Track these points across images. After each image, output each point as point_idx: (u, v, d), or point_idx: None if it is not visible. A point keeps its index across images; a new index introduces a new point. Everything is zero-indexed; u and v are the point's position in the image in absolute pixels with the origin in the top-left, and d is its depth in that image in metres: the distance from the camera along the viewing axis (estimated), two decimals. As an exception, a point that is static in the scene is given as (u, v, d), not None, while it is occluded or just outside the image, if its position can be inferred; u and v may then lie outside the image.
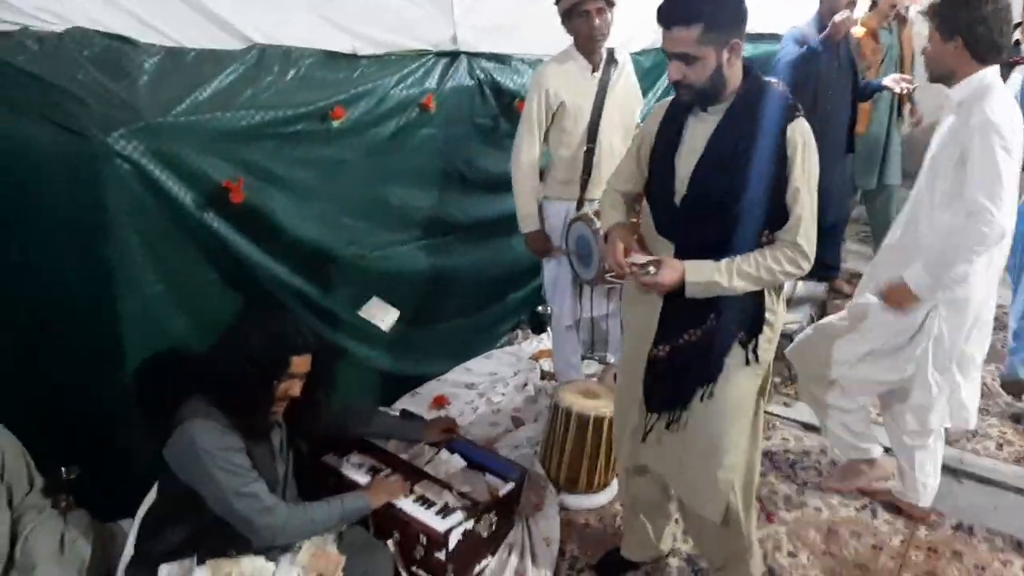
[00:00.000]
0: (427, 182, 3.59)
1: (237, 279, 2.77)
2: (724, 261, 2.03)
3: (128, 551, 2.21)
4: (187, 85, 2.54)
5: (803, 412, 3.76)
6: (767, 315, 2.15)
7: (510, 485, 2.69)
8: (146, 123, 2.34)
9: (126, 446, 2.51)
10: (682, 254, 2.10)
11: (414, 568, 2.50)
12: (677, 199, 2.10)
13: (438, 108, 3.46)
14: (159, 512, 2.20)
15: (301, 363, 2.17)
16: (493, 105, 3.80)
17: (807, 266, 2.07)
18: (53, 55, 2.27)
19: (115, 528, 2.51)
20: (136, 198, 2.36)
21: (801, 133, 2.01)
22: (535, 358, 4.20)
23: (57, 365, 2.50)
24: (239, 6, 2.71)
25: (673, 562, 2.77)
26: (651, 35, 4.12)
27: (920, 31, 4.91)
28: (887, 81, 4.60)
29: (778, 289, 2.19)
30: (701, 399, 2.16)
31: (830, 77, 4.54)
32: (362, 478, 2.64)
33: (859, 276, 3.06)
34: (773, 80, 2.09)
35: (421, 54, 3.43)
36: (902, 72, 4.93)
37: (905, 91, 4.60)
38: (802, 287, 4.41)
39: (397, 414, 3.10)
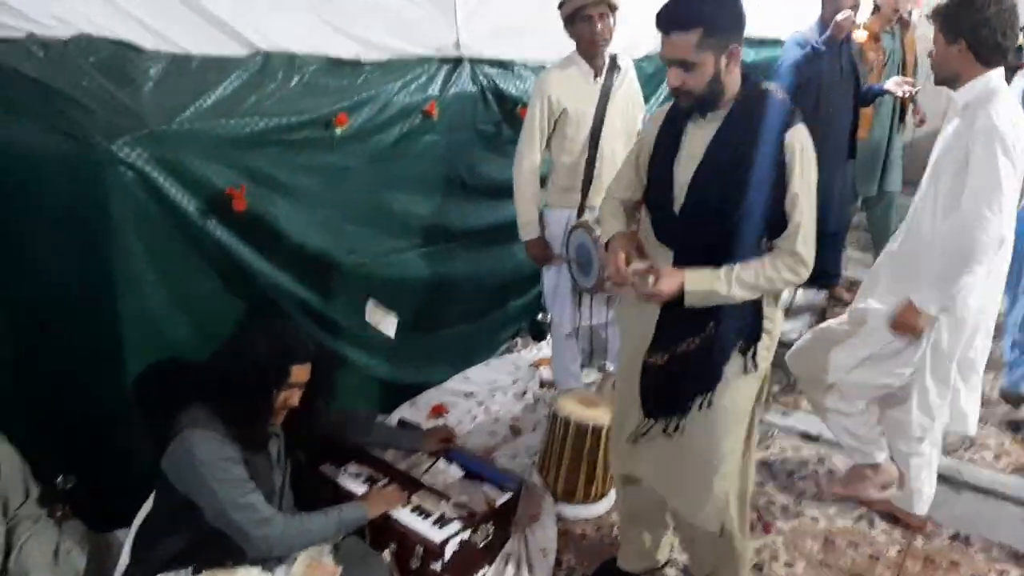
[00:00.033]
0: (429, 189, 3.59)
1: (239, 286, 2.77)
2: (723, 269, 2.04)
3: (124, 561, 2.21)
4: (191, 92, 2.54)
5: (801, 422, 3.78)
6: (765, 323, 2.16)
7: (507, 495, 2.69)
8: (150, 130, 2.35)
9: (123, 456, 2.52)
10: (681, 261, 2.10)
11: (410, 579, 2.50)
12: (676, 206, 2.11)
13: (441, 115, 3.46)
14: (155, 522, 2.20)
15: (301, 372, 2.18)
16: (496, 111, 3.80)
17: (806, 273, 2.08)
18: (58, 62, 2.28)
19: (110, 538, 2.51)
20: (140, 205, 2.37)
21: (799, 139, 2.01)
22: (535, 366, 4.21)
23: (57, 371, 2.50)
24: (244, 12, 2.71)
25: (670, 572, 2.78)
26: (653, 41, 4.09)
27: (925, 34, 4.92)
28: (889, 85, 4.60)
29: (776, 296, 2.19)
30: (700, 407, 2.16)
31: (832, 82, 4.54)
32: (359, 488, 2.64)
33: (859, 283, 3.07)
34: (771, 86, 2.09)
35: (424, 60, 3.43)
36: (904, 76, 4.92)
37: (907, 94, 4.59)
38: (802, 295, 4.41)
39: (395, 423, 3.11)
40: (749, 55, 5.52)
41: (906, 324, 2.62)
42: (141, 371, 2.41)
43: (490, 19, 3.65)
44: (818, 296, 4.62)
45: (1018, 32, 2.57)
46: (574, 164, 3.26)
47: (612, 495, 3.06)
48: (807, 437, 3.67)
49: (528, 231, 3.33)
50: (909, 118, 5.19)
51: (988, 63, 2.50)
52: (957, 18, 2.49)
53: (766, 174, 2.00)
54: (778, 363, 3.86)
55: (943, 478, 3.26)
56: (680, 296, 2.05)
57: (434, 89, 3.45)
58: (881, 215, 5.24)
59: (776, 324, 2.21)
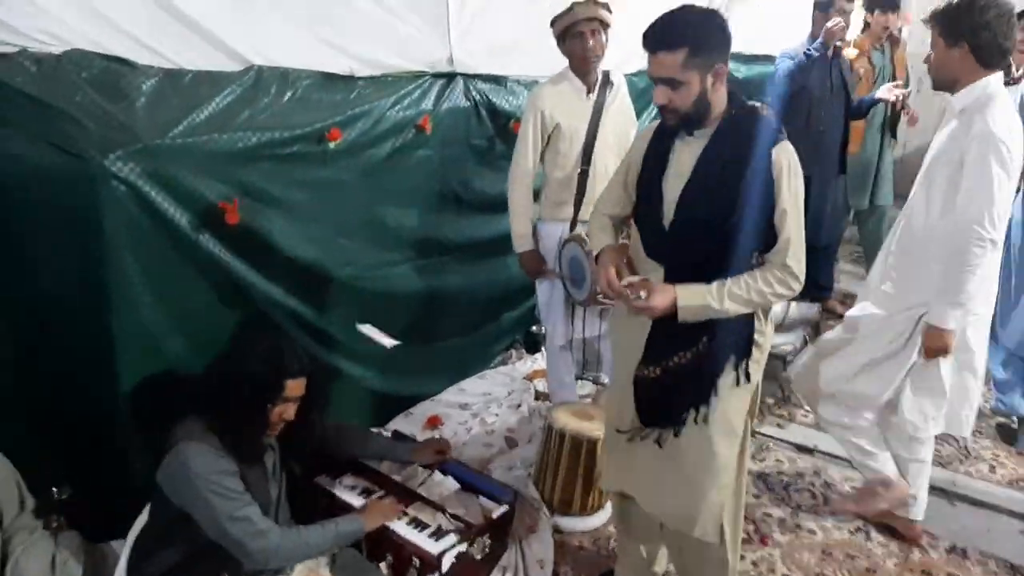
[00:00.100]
0: (423, 203, 3.60)
1: (233, 299, 2.77)
2: (715, 284, 2.05)
3: (120, 573, 2.20)
4: (184, 107, 2.54)
5: (796, 434, 3.79)
6: (756, 336, 2.17)
7: (503, 508, 2.69)
8: (143, 145, 2.35)
9: (118, 467, 2.50)
10: (672, 277, 2.11)
11: (407, 591, 2.49)
12: (665, 222, 2.12)
13: (434, 129, 3.47)
14: (152, 534, 2.19)
15: (296, 387, 2.18)
16: (489, 126, 3.82)
17: (798, 287, 2.09)
18: (51, 77, 2.28)
19: (106, 549, 2.50)
20: (133, 219, 2.36)
21: (786, 156, 2.03)
22: (529, 378, 4.21)
23: (53, 383, 2.49)
24: (237, 28, 2.72)
25: (667, 585, 2.77)
26: (645, 57, 4.16)
27: (915, 51, 4.97)
28: (881, 93, 4.65)
29: (766, 310, 2.20)
30: (695, 421, 2.16)
31: (823, 97, 4.60)
32: (355, 500, 2.63)
33: (852, 296, 3.09)
34: (758, 104, 2.11)
35: (417, 75, 3.45)
36: (896, 110, 4.97)
37: (899, 98, 4.63)
38: (795, 308, 4.42)
39: (390, 435, 3.10)
40: (740, 71, 5.57)
41: (936, 348, 2.61)
42: (136, 384, 2.40)
43: (483, 35, 3.68)
44: (811, 309, 4.63)
45: (1016, 36, 2.58)
46: (567, 179, 3.27)
47: (608, 507, 3.05)
48: (803, 449, 3.67)
49: (522, 244, 3.33)
50: (900, 132, 5.22)
51: (988, 66, 2.52)
52: (958, 21, 2.51)
53: (754, 191, 2.01)
54: (772, 376, 3.91)
55: (939, 490, 3.27)
56: (673, 311, 2.06)
57: (427, 104, 3.47)
58: (873, 228, 5.28)
59: (767, 337, 2.23)
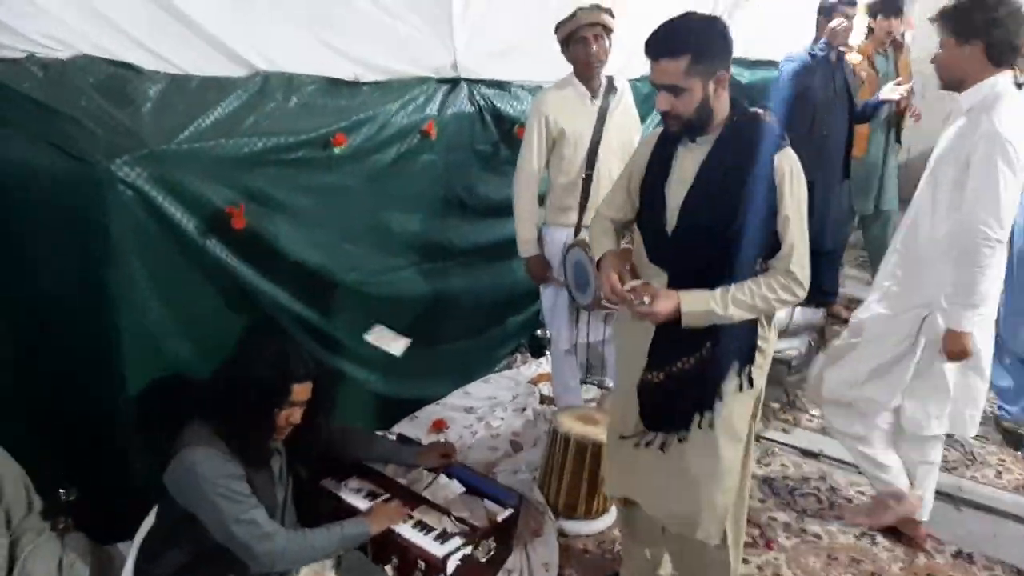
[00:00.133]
0: (428, 208, 3.61)
1: (239, 304, 2.78)
2: (719, 290, 2.06)
3: (127, 574, 2.21)
4: (191, 112, 2.56)
5: (802, 438, 3.78)
6: (759, 342, 2.17)
7: (508, 511, 2.69)
8: (150, 150, 2.36)
9: (125, 469, 2.51)
10: (675, 283, 2.12)
11: (413, 593, 2.49)
12: (668, 228, 2.12)
13: (439, 134, 3.49)
14: (159, 536, 2.20)
15: (302, 391, 2.18)
16: (493, 131, 3.84)
17: (802, 293, 2.09)
18: (58, 82, 2.29)
19: (112, 551, 2.50)
20: (139, 224, 2.37)
21: (788, 162, 2.04)
22: (534, 382, 4.22)
23: (60, 386, 2.50)
24: (243, 34, 2.73)
25: (672, 588, 2.77)
26: (647, 62, 4.18)
27: (919, 56, 4.98)
28: (884, 93, 4.65)
29: (770, 316, 2.21)
30: (699, 426, 2.17)
31: (826, 102, 4.61)
32: (361, 503, 2.64)
33: (857, 301, 3.08)
34: (760, 111, 2.12)
35: (422, 81, 3.46)
36: (901, 109, 4.97)
37: (903, 96, 4.63)
38: (800, 313, 4.43)
39: (394, 438, 3.11)
40: (744, 76, 5.59)
41: (956, 351, 2.59)
42: (142, 388, 2.41)
43: (487, 41, 3.69)
44: (816, 314, 4.64)
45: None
46: (571, 184, 3.28)
47: (613, 511, 3.05)
48: (808, 454, 3.67)
49: (527, 249, 3.35)
50: (905, 136, 5.23)
51: (999, 64, 2.50)
52: (971, 18, 2.49)
53: (757, 197, 2.02)
54: (777, 380, 3.91)
55: (945, 495, 3.26)
56: (677, 317, 2.06)
57: (432, 109, 3.49)
58: (878, 233, 5.28)
59: (770, 343, 2.23)
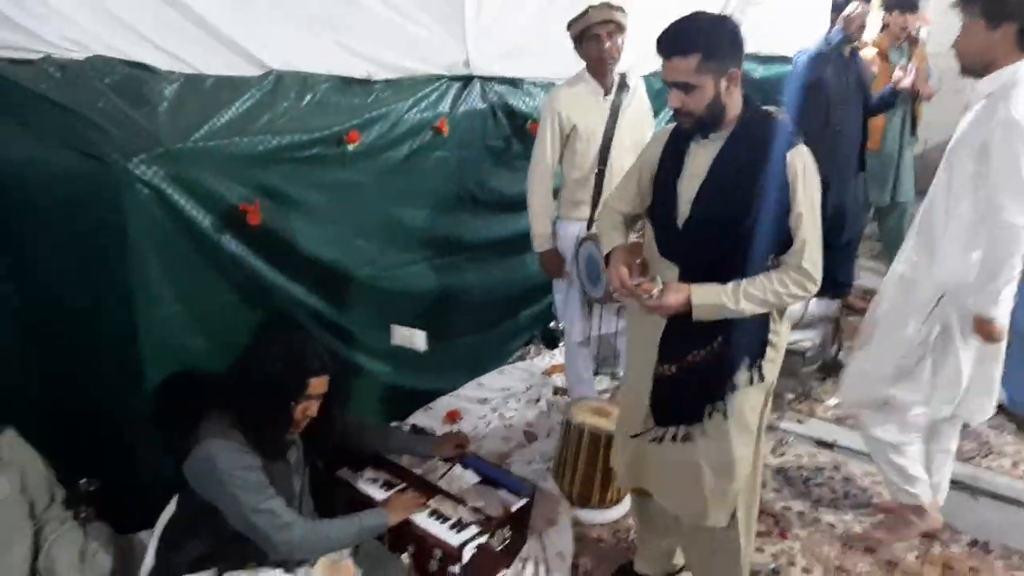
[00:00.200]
0: (440, 203, 3.64)
1: (254, 299, 2.82)
2: (731, 284, 2.06)
3: (148, 563, 2.24)
4: (205, 111, 2.60)
5: (817, 429, 3.78)
6: (770, 336, 2.18)
7: (523, 501, 2.72)
8: (166, 149, 2.40)
9: (145, 461, 2.56)
10: (686, 277, 2.13)
11: (429, 581, 2.52)
12: (680, 222, 2.13)
13: (451, 131, 3.52)
14: (179, 525, 2.23)
15: (319, 385, 2.20)
16: (505, 127, 3.86)
17: (813, 289, 2.10)
18: (75, 83, 2.32)
19: (134, 539, 2.55)
20: (156, 222, 2.41)
21: (801, 159, 2.04)
22: (548, 373, 4.25)
23: (81, 381, 2.55)
24: (256, 33, 2.77)
25: (687, 577, 2.78)
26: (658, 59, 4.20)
27: (935, 51, 4.95)
28: (895, 77, 4.62)
29: (781, 311, 2.21)
30: (710, 416, 2.18)
31: (840, 96, 4.59)
32: (377, 493, 2.68)
33: (872, 293, 3.05)
34: (773, 109, 2.13)
35: (434, 78, 3.49)
36: (914, 94, 4.94)
37: (912, 72, 4.61)
38: (815, 305, 4.41)
39: (408, 429, 3.14)
40: (757, 71, 5.58)
41: (988, 338, 2.56)
42: (159, 382, 2.44)
43: (499, 38, 3.72)
44: (831, 306, 4.61)
45: None
46: (584, 179, 3.29)
47: (627, 500, 3.06)
48: (823, 444, 3.66)
49: (542, 244, 3.37)
50: (921, 128, 5.19)
51: None
52: (1004, 0, 2.43)
53: (769, 194, 2.03)
54: (792, 372, 3.90)
55: (961, 485, 3.25)
56: (687, 310, 2.08)
57: (444, 106, 3.52)
58: (894, 225, 5.26)
59: (781, 337, 2.24)
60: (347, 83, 3.13)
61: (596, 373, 3.79)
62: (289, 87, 2.90)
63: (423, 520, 2.54)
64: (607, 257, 2.30)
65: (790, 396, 4.01)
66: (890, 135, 5.06)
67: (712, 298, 2.06)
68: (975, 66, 2.54)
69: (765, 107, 2.14)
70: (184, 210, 2.49)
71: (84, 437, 2.58)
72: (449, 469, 2.82)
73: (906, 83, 4.61)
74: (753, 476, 2.32)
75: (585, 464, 3.00)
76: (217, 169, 2.58)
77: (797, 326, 3.89)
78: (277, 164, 2.80)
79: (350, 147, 3.04)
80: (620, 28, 3.14)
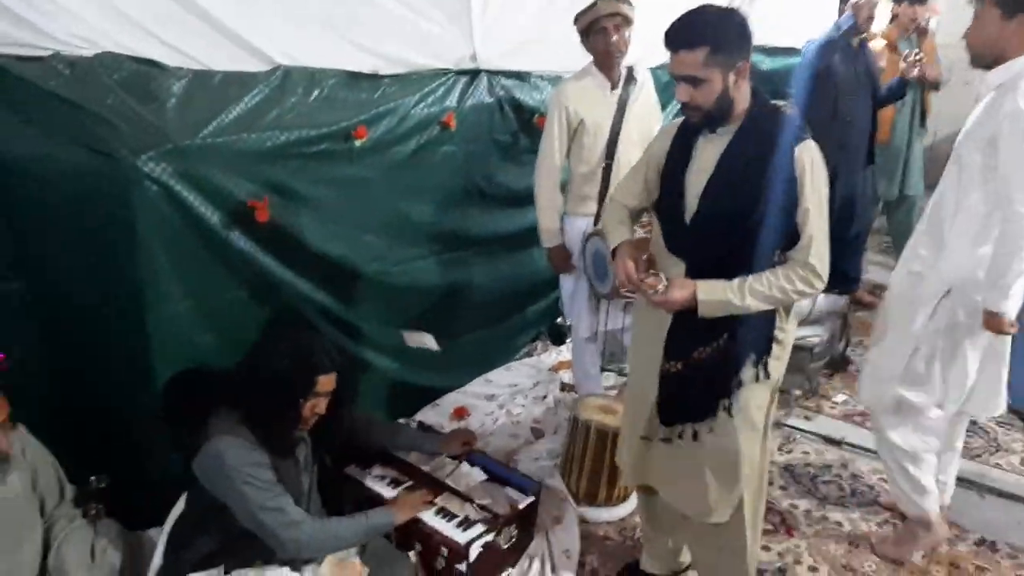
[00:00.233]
0: (448, 198, 3.63)
1: (263, 295, 2.82)
2: (736, 280, 2.06)
3: (157, 560, 2.26)
4: (214, 107, 2.59)
5: (824, 426, 3.78)
6: (776, 333, 2.18)
7: (529, 498, 2.72)
8: (174, 145, 2.39)
9: (154, 457, 2.57)
10: (693, 272, 2.12)
11: (435, 579, 2.53)
12: (687, 217, 2.13)
13: (458, 126, 3.51)
14: (188, 522, 2.25)
15: (327, 382, 2.21)
16: (512, 121, 3.85)
17: (820, 285, 2.09)
18: (83, 79, 2.32)
19: (143, 536, 2.56)
20: (165, 218, 2.42)
21: (809, 154, 2.03)
22: (555, 369, 4.25)
23: (89, 379, 2.56)
24: (264, 29, 2.76)
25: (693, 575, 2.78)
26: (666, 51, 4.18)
27: (944, 42, 4.91)
28: (901, 69, 4.60)
29: (787, 307, 2.20)
30: (715, 413, 2.18)
31: (849, 88, 4.57)
32: (384, 490, 2.68)
33: (881, 287, 3.03)
34: (781, 103, 2.12)
35: (441, 73, 3.48)
36: (922, 82, 4.90)
37: (918, 56, 4.57)
38: (823, 300, 4.40)
39: (415, 426, 3.14)
40: (765, 63, 5.55)
41: (995, 331, 2.54)
42: (168, 378, 2.44)
43: (506, 32, 3.70)
44: (839, 301, 4.60)
45: None
46: (591, 173, 3.29)
47: (634, 498, 3.07)
48: (830, 441, 3.66)
49: (549, 239, 3.36)
50: (930, 121, 5.16)
51: None
52: None
53: (776, 188, 2.02)
54: (799, 368, 3.89)
55: (969, 483, 3.25)
56: (693, 305, 2.07)
57: (451, 101, 3.51)
58: (903, 218, 5.23)
59: (788, 334, 2.23)
60: (354, 78, 3.12)
61: (603, 369, 3.79)
62: (297, 83, 2.89)
63: (430, 518, 2.55)
64: (613, 252, 2.29)
65: (797, 392, 4.01)
66: (899, 127, 5.04)
67: (718, 294, 2.05)
68: (985, 57, 2.51)
69: (773, 101, 2.12)
70: (193, 206, 2.49)
71: (93, 434, 2.59)
72: (456, 466, 2.82)
73: (913, 72, 4.57)
74: (759, 474, 2.31)
75: (592, 461, 3.01)
76: (225, 165, 2.58)
77: (805, 321, 3.88)
78: (285, 160, 2.79)
79: (358, 142, 3.03)
80: (627, 21, 3.13)
